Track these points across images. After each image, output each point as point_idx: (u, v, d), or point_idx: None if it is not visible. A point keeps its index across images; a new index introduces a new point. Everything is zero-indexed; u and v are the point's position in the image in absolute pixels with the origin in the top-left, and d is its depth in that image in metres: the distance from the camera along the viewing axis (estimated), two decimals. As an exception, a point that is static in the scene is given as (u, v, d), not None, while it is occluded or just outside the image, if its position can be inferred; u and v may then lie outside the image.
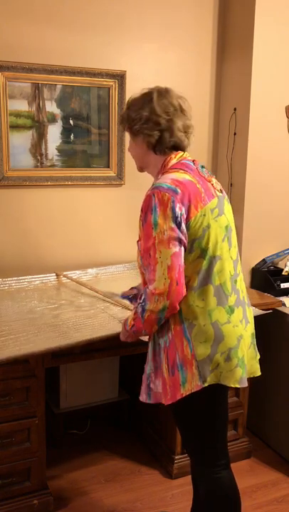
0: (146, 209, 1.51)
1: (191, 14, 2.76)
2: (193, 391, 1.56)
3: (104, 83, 2.61)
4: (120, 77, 2.63)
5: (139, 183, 2.81)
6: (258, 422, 2.73)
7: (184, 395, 1.57)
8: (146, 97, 1.61)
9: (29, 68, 2.43)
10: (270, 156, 2.78)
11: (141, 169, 1.75)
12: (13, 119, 2.47)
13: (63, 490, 2.31)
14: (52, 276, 2.60)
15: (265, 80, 2.68)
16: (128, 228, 2.85)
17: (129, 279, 2.72)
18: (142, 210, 1.54)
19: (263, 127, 2.74)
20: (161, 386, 1.63)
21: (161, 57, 2.73)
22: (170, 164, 1.61)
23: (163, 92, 1.61)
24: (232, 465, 1.76)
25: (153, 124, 1.58)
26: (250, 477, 2.47)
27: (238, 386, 1.59)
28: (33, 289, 2.50)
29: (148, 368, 1.69)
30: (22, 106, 2.48)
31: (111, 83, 2.63)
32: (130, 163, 2.78)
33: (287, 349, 2.48)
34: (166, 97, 1.61)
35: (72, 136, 2.62)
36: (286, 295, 2.68)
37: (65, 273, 2.62)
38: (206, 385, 1.55)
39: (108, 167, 2.73)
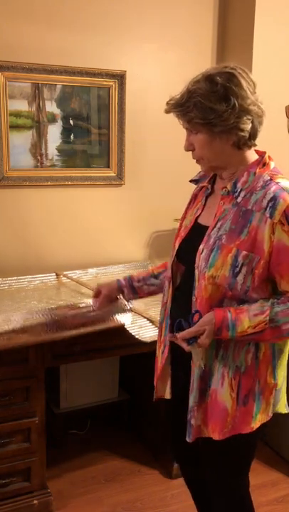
0: None
1: (191, 14, 2.76)
2: (262, 422, 1.43)
3: (104, 83, 2.61)
4: (120, 77, 2.63)
5: (139, 183, 2.83)
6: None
7: (254, 429, 1.40)
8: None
9: (29, 68, 2.43)
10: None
11: (213, 170, 1.41)
12: (13, 119, 2.47)
13: (63, 490, 2.31)
14: (52, 276, 2.60)
15: (265, 79, 2.67)
16: (128, 228, 2.85)
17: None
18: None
19: (263, 127, 2.72)
20: (207, 417, 1.40)
21: (161, 57, 2.73)
22: (272, 166, 1.39)
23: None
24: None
25: (246, 113, 1.35)
26: (250, 477, 2.47)
27: (286, 412, 1.49)
28: (33, 288, 2.50)
29: (192, 399, 1.40)
30: (22, 106, 2.48)
31: (111, 83, 2.62)
32: (130, 163, 2.81)
33: (287, 349, 2.48)
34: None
35: (72, 136, 2.62)
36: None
37: (65, 273, 2.63)
38: (271, 414, 1.45)
39: (108, 167, 2.73)
